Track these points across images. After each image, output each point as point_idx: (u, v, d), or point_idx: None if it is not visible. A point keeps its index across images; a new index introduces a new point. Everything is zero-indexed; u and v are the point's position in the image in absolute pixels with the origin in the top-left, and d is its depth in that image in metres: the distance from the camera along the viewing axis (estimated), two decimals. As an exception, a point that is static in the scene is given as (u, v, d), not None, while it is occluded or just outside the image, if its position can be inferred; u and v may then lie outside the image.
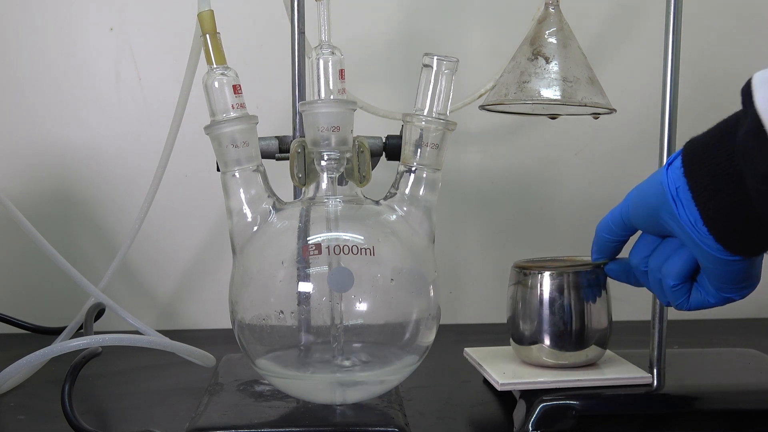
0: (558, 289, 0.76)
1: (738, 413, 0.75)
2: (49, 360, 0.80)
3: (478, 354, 0.84)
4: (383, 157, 0.79)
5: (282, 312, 0.67)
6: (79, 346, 0.75)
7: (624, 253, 0.75)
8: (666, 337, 0.82)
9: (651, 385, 0.77)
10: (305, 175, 0.71)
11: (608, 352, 0.81)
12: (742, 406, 0.76)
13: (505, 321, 0.80)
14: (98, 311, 0.94)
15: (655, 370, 0.80)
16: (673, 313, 0.86)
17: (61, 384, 0.71)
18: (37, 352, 0.75)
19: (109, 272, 0.97)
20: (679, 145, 0.84)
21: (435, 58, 0.70)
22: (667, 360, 0.82)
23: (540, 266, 0.78)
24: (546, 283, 0.76)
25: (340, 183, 0.71)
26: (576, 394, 0.74)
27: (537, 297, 0.77)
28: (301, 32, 0.81)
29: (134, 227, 0.95)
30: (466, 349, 0.86)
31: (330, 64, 0.70)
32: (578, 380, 0.75)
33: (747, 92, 0.56)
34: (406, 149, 0.71)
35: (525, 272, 0.78)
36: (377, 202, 0.72)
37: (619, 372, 0.77)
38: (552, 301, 0.76)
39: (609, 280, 0.78)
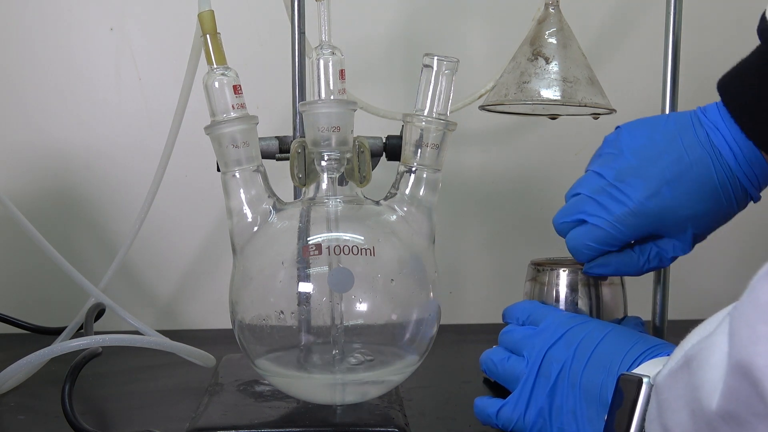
0: (571, 286, 0.78)
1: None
2: (49, 360, 0.80)
3: None
4: (383, 158, 0.79)
5: (282, 312, 0.67)
6: (79, 346, 0.75)
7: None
8: (666, 337, 0.82)
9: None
10: (305, 175, 0.71)
11: None
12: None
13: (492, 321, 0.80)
14: (98, 311, 0.94)
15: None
16: (673, 313, 0.86)
17: (61, 384, 0.71)
18: (37, 353, 0.76)
19: (109, 272, 0.97)
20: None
21: (435, 58, 0.70)
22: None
23: (555, 263, 0.79)
24: (561, 280, 0.78)
25: (340, 183, 0.71)
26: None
27: (552, 294, 0.79)
28: (302, 32, 0.81)
29: (134, 227, 0.95)
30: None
31: (330, 64, 0.70)
32: None
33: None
34: (407, 149, 0.71)
35: (540, 269, 0.80)
36: (377, 203, 0.72)
37: None
38: (566, 298, 0.78)
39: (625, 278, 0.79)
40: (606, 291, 0.79)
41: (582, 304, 0.77)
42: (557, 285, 0.78)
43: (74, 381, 0.72)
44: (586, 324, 0.67)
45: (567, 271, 0.78)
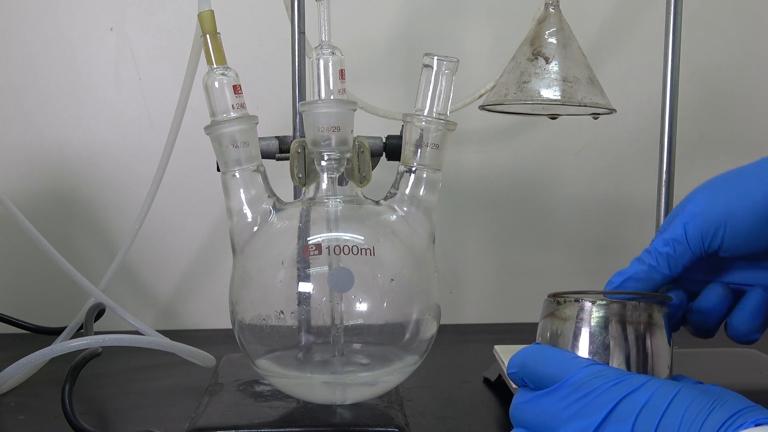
0: (604, 325, 0.53)
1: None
2: (49, 360, 0.80)
3: (506, 351, 0.84)
4: (383, 158, 0.79)
5: (282, 312, 0.67)
6: (79, 346, 0.75)
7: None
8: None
9: None
10: (305, 175, 0.71)
11: None
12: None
13: (504, 321, 0.80)
14: (98, 311, 0.94)
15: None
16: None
17: (61, 384, 0.71)
18: (37, 353, 0.75)
19: (109, 272, 0.97)
20: (680, 145, 0.84)
21: (435, 58, 0.70)
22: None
23: (579, 295, 0.55)
24: (590, 316, 0.53)
25: (340, 183, 0.71)
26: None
27: (572, 336, 0.54)
28: (302, 32, 0.81)
29: (134, 227, 0.95)
30: (495, 346, 0.86)
31: (330, 64, 0.70)
32: None
33: None
34: (407, 149, 0.71)
35: (561, 300, 0.55)
36: (377, 203, 0.72)
37: None
38: (594, 344, 0.53)
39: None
40: (657, 338, 0.54)
41: (617, 354, 0.53)
42: (584, 322, 0.53)
43: (74, 381, 0.72)
44: (642, 387, 0.48)
45: (602, 304, 0.53)
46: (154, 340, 0.82)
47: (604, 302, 0.53)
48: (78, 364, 0.74)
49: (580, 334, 0.53)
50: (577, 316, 0.54)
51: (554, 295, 0.56)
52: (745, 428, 0.44)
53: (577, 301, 0.54)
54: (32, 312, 1.04)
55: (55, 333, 0.97)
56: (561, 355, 0.52)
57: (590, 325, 0.53)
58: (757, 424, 0.44)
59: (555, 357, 0.52)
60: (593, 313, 0.53)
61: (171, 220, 1.12)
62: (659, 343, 0.54)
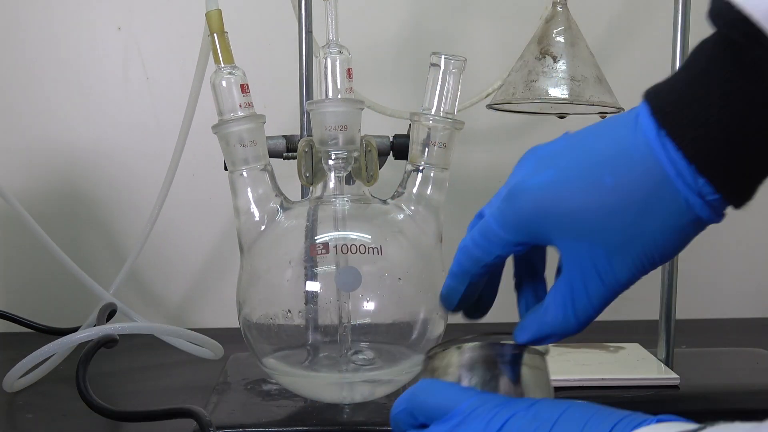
0: (472, 367, 0.51)
1: (747, 413, 0.74)
2: (60, 361, 0.80)
3: None
4: (391, 157, 0.79)
5: (289, 311, 0.67)
6: (96, 334, 0.77)
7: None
8: (675, 338, 0.82)
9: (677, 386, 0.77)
10: (313, 174, 0.71)
11: (631, 349, 0.82)
12: (750, 406, 0.75)
13: (512, 320, 0.80)
14: (110, 311, 0.94)
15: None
16: (681, 313, 0.85)
17: (71, 382, 0.71)
18: (55, 342, 0.77)
19: (119, 277, 0.97)
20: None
21: (443, 57, 0.70)
22: (676, 360, 0.82)
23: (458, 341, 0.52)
24: (457, 361, 0.51)
25: (347, 182, 0.71)
26: (587, 395, 0.74)
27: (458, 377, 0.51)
28: (309, 31, 0.81)
29: (145, 230, 0.95)
30: None
31: (337, 63, 0.70)
32: (600, 378, 0.76)
33: None
34: (414, 148, 0.71)
35: (432, 354, 0.52)
36: (385, 202, 0.72)
37: (643, 372, 0.78)
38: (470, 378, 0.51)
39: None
40: (527, 373, 0.51)
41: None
42: (452, 369, 0.50)
43: (88, 362, 0.72)
44: (530, 406, 0.46)
45: (467, 348, 0.51)
46: (168, 328, 0.86)
47: (471, 346, 0.51)
48: (93, 347, 0.74)
49: (459, 379, 0.50)
50: (451, 364, 0.51)
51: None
52: (647, 424, 0.43)
53: (446, 349, 0.51)
54: (44, 316, 1.04)
55: (68, 334, 0.97)
56: (449, 387, 0.49)
57: (464, 369, 0.50)
58: (659, 421, 0.44)
59: (444, 388, 0.49)
60: (463, 356, 0.51)
61: (179, 221, 1.12)
62: (536, 379, 0.51)
